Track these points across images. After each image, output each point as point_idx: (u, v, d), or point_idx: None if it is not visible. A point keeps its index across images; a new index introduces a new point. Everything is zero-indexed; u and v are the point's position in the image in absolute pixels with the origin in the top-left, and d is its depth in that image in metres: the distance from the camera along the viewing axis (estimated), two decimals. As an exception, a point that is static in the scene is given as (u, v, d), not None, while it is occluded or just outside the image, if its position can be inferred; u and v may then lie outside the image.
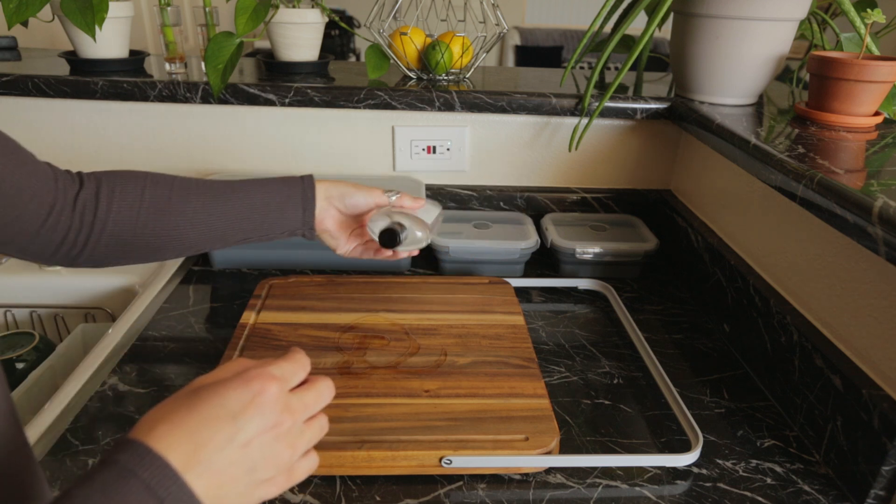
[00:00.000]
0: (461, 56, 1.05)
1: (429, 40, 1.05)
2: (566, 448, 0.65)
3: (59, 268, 0.94)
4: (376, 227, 0.69)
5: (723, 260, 0.86)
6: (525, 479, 0.61)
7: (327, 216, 0.68)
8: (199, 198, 0.61)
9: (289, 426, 0.38)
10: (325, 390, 0.43)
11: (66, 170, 0.57)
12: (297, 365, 0.42)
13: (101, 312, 0.96)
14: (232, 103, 0.99)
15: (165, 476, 0.31)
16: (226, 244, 0.64)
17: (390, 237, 0.67)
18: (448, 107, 0.99)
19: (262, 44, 3.14)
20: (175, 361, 0.76)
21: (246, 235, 0.64)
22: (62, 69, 1.01)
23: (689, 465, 0.63)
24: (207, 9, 1.06)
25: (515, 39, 4.47)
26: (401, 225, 0.68)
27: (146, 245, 0.59)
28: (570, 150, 1.05)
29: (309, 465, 0.41)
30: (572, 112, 1.01)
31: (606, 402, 0.72)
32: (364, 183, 1.02)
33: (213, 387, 0.36)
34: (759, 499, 0.60)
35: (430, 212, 0.75)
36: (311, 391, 0.41)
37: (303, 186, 0.66)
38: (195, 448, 0.33)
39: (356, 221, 0.73)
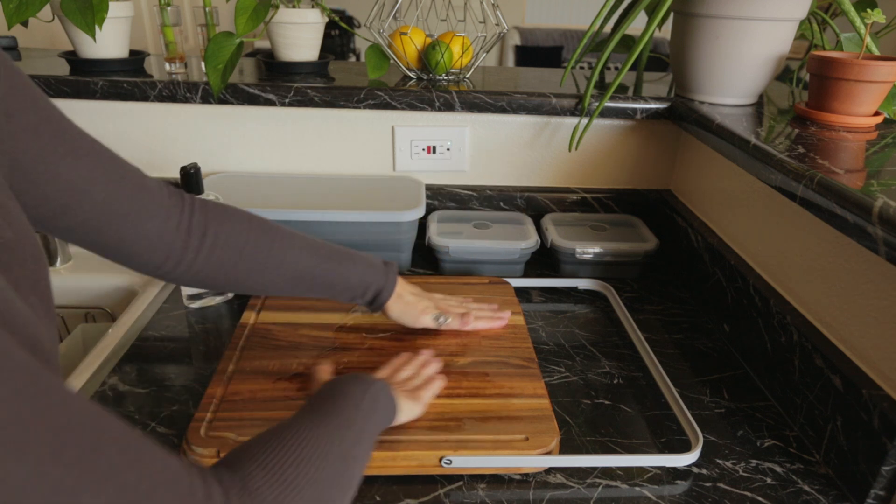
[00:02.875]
0: (461, 56, 1.05)
1: (429, 40, 1.05)
2: (566, 448, 0.65)
3: (58, 267, 0.94)
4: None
5: (723, 260, 0.86)
6: (525, 479, 0.61)
7: (388, 312, 0.75)
8: (296, 258, 0.66)
9: (400, 375, 0.67)
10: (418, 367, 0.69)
11: (176, 191, 0.59)
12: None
13: (100, 312, 0.96)
14: (232, 103, 0.99)
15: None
16: (296, 296, 0.71)
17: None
18: (448, 107, 0.99)
19: (262, 44, 3.14)
20: (175, 361, 0.76)
21: (318, 296, 0.70)
22: (62, 69, 1.01)
23: (689, 465, 0.63)
24: (207, 9, 1.06)
25: (515, 39, 4.47)
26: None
27: (236, 285, 0.64)
28: (570, 150, 1.05)
29: (426, 391, 0.65)
30: (572, 112, 1.01)
31: (606, 402, 0.72)
32: (363, 182, 1.03)
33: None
34: (759, 499, 0.60)
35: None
36: (410, 366, 0.69)
37: (384, 284, 0.72)
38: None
39: None
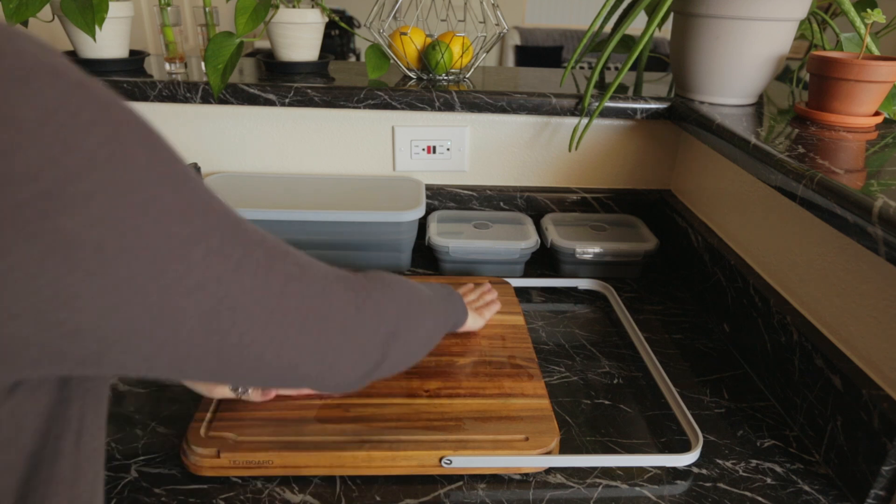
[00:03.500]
0: (461, 56, 1.05)
1: (429, 40, 1.05)
2: (566, 448, 0.65)
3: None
4: None
5: (723, 260, 0.86)
6: (525, 479, 0.61)
7: None
8: None
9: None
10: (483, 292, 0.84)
11: None
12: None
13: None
14: (232, 103, 0.99)
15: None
16: None
17: None
18: (448, 107, 0.99)
19: (262, 44, 3.14)
20: None
21: None
22: (62, 69, 1.01)
23: (689, 465, 0.63)
24: (207, 9, 1.06)
25: (515, 39, 4.47)
26: None
27: None
28: (570, 150, 1.05)
29: (488, 310, 0.80)
30: (572, 112, 1.01)
31: (606, 402, 0.72)
32: (363, 182, 1.03)
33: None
34: (759, 499, 0.60)
35: None
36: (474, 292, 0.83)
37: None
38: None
39: None
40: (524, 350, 0.76)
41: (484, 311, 0.78)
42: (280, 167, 1.07)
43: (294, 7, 1.01)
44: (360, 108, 0.99)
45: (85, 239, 0.24)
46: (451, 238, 0.96)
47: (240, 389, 0.65)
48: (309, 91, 0.98)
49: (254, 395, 0.66)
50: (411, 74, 1.08)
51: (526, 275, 0.99)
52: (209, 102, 0.99)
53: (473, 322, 0.76)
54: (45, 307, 0.25)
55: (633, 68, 1.13)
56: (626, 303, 0.90)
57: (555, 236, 0.97)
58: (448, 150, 1.06)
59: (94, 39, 0.91)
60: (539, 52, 4.41)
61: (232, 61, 0.92)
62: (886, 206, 0.52)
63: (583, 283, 0.96)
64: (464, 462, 0.59)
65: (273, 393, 0.67)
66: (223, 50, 0.92)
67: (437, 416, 0.64)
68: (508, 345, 0.77)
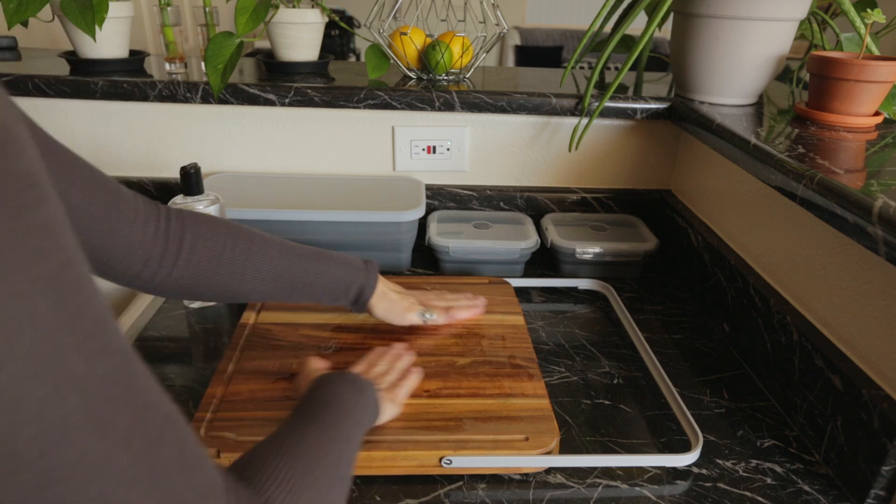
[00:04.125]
0: (461, 56, 1.05)
1: (429, 40, 1.05)
2: (566, 448, 0.65)
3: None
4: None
5: (723, 260, 0.86)
6: (525, 479, 0.61)
7: (372, 311, 0.75)
8: (274, 261, 0.65)
9: (375, 372, 0.66)
10: (393, 361, 0.70)
11: (151, 200, 0.60)
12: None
13: (101, 312, 0.96)
14: (232, 103, 0.99)
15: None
16: (280, 301, 0.70)
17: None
18: (448, 107, 0.99)
19: (262, 44, 3.14)
20: (175, 361, 0.76)
21: (301, 301, 0.70)
22: (62, 69, 1.01)
23: (689, 465, 0.63)
24: (207, 9, 1.06)
25: (515, 39, 4.47)
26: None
27: (216, 292, 0.64)
28: (570, 150, 1.05)
29: (401, 390, 0.65)
30: (572, 112, 1.01)
31: (606, 402, 0.72)
32: (363, 182, 1.03)
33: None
34: (759, 499, 0.60)
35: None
36: (383, 360, 0.69)
37: (365, 282, 0.72)
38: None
39: None
40: (524, 350, 0.76)
41: (397, 392, 0.65)
42: (280, 167, 1.07)
43: (294, 7, 1.01)
44: (360, 108, 0.99)
45: None
46: (451, 238, 0.96)
47: (426, 315, 0.77)
48: (309, 91, 0.98)
49: (439, 317, 0.78)
50: (411, 74, 1.08)
51: (526, 275, 0.99)
52: (209, 102, 0.99)
53: (388, 413, 0.62)
54: None
55: (633, 68, 1.13)
56: (626, 303, 0.90)
57: (555, 236, 0.97)
58: (448, 150, 1.06)
59: (94, 39, 0.91)
60: (539, 52, 4.41)
61: (232, 61, 0.92)
62: (886, 206, 0.52)
63: (583, 283, 0.96)
64: (464, 462, 0.59)
65: (457, 315, 0.79)
66: (223, 50, 0.92)
67: (437, 416, 0.64)
68: (508, 345, 0.77)
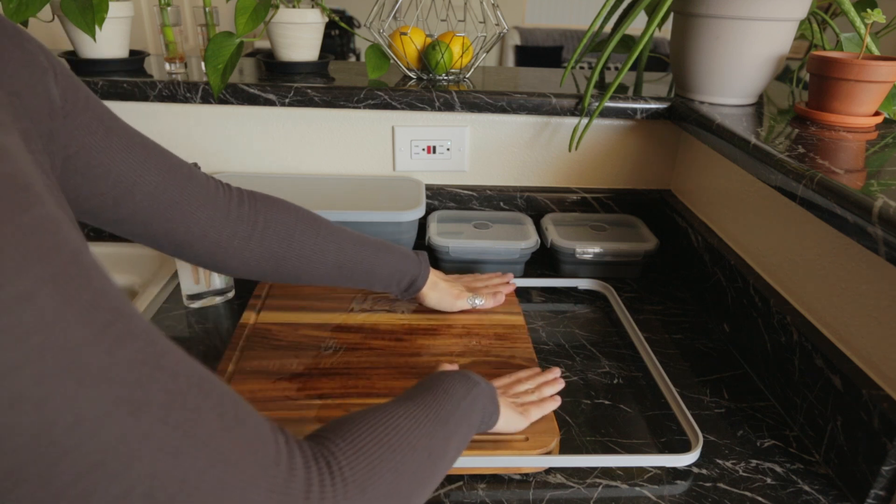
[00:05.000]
0: (461, 56, 1.05)
1: (429, 40, 1.05)
2: (566, 448, 0.65)
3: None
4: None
5: (723, 260, 0.86)
6: (525, 479, 0.61)
7: (424, 299, 0.81)
8: (339, 247, 0.69)
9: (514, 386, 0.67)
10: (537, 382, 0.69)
11: (224, 183, 0.62)
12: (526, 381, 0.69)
13: (101, 312, 0.95)
14: (232, 103, 0.99)
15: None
16: (338, 285, 0.74)
17: None
18: (448, 107, 0.99)
19: (262, 44, 3.14)
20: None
21: (357, 287, 0.74)
22: (62, 69, 1.01)
23: (689, 465, 0.63)
24: (207, 9, 1.06)
25: (515, 39, 4.47)
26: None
27: (284, 273, 0.67)
28: (570, 150, 1.05)
29: (536, 409, 0.64)
30: (572, 112, 1.01)
31: (606, 402, 0.72)
32: (363, 182, 1.03)
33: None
34: (759, 499, 0.60)
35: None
36: (528, 381, 0.69)
37: (418, 272, 0.77)
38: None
39: None
40: (524, 350, 0.76)
41: (532, 409, 0.63)
42: (280, 167, 1.07)
43: (294, 7, 1.01)
44: (360, 108, 0.99)
45: None
46: (451, 238, 0.96)
47: (476, 301, 0.82)
48: (309, 91, 0.98)
49: (487, 301, 0.83)
50: (411, 74, 1.08)
51: (526, 275, 0.99)
52: (209, 102, 0.99)
53: (512, 423, 0.60)
54: None
55: (633, 68, 1.13)
56: (626, 303, 0.90)
57: (555, 236, 0.97)
58: (448, 150, 1.06)
59: (94, 39, 0.91)
60: (539, 52, 4.41)
61: (232, 61, 0.92)
62: (886, 206, 0.52)
63: (583, 283, 0.96)
64: (464, 462, 0.59)
65: (503, 297, 0.85)
66: (223, 50, 0.92)
67: (437, 416, 0.64)
68: (508, 345, 0.77)
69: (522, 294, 0.94)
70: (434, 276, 0.80)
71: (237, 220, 0.60)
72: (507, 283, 0.88)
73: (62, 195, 0.37)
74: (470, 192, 1.08)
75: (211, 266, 0.62)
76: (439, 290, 0.80)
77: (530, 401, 0.64)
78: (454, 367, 0.67)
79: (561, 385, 0.69)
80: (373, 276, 0.72)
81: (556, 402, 0.66)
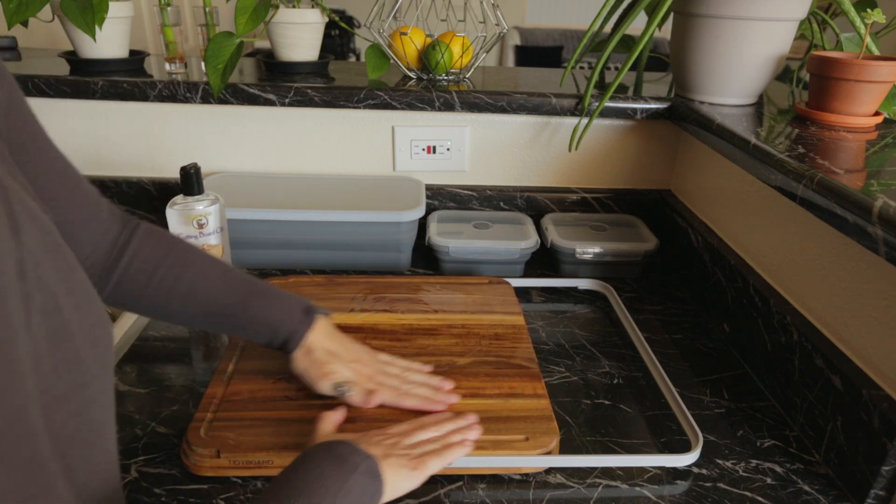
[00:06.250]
0: (461, 56, 1.05)
1: (429, 40, 1.05)
2: (566, 448, 0.65)
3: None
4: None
5: (723, 260, 0.86)
6: (525, 479, 0.61)
7: (292, 366, 0.67)
8: (206, 290, 0.62)
9: (405, 436, 0.59)
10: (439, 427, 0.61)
11: (123, 214, 0.61)
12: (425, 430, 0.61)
13: (100, 312, 0.95)
14: (232, 103, 0.99)
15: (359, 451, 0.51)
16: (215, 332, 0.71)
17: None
18: (448, 107, 0.99)
19: (262, 44, 3.14)
20: (175, 361, 0.76)
21: (235, 336, 0.71)
22: (62, 69, 1.01)
23: (689, 465, 0.63)
24: (207, 9, 1.06)
25: (515, 39, 4.47)
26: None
27: (147, 311, 0.63)
28: (570, 150, 1.05)
29: (434, 461, 0.57)
30: (572, 112, 1.01)
31: (606, 402, 0.72)
32: (363, 182, 1.03)
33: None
34: (759, 499, 0.60)
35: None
36: (428, 429, 0.61)
37: (293, 331, 0.65)
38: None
39: None
40: (524, 350, 0.76)
41: (429, 462, 0.56)
42: (280, 167, 1.07)
43: (294, 7, 1.01)
44: (360, 108, 0.99)
45: None
46: (451, 238, 0.96)
47: (341, 389, 0.65)
48: (309, 91, 0.98)
49: (355, 396, 0.65)
50: (411, 74, 1.08)
51: (526, 275, 0.99)
52: (209, 102, 0.99)
53: (402, 486, 0.54)
54: None
55: (633, 68, 1.13)
56: (626, 303, 0.90)
57: (555, 236, 0.97)
58: (448, 150, 1.06)
59: (94, 39, 0.91)
60: (539, 52, 4.41)
61: (232, 61, 0.92)
62: (886, 206, 0.52)
63: (583, 283, 0.96)
64: (464, 462, 0.59)
65: (377, 400, 0.65)
66: (223, 50, 0.92)
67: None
68: (508, 345, 0.77)
69: (522, 294, 0.94)
70: (318, 341, 0.65)
71: (111, 250, 0.58)
72: (434, 400, 0.66)
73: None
74: (470, 192, 1.08)
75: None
76: (310, 360, 0.65)
77: (429, 450, 0.57)
78: (336, 419, 0.61)
79: (475, 433, 0.61)
80: (244, 330, 0.64)
81: (465, 448, 0.59)
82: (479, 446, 0.61)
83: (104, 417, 0.39)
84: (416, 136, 1.04)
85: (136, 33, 2.22)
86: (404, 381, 0.68)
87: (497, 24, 1.02)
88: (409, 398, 0.66)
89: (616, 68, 1.10)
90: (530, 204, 1.09)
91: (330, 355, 0.66)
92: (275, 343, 0.65)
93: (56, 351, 0.35)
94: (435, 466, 0.56)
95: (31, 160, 0.47)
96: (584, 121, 1.01)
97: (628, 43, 1.07)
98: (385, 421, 0.63)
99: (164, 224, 0.79)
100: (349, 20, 3.30)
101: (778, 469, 0.64)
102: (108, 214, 0.58)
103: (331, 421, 0.61)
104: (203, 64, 1.03)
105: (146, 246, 0.60)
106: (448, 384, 0.69)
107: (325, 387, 0.65)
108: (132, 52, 1.06)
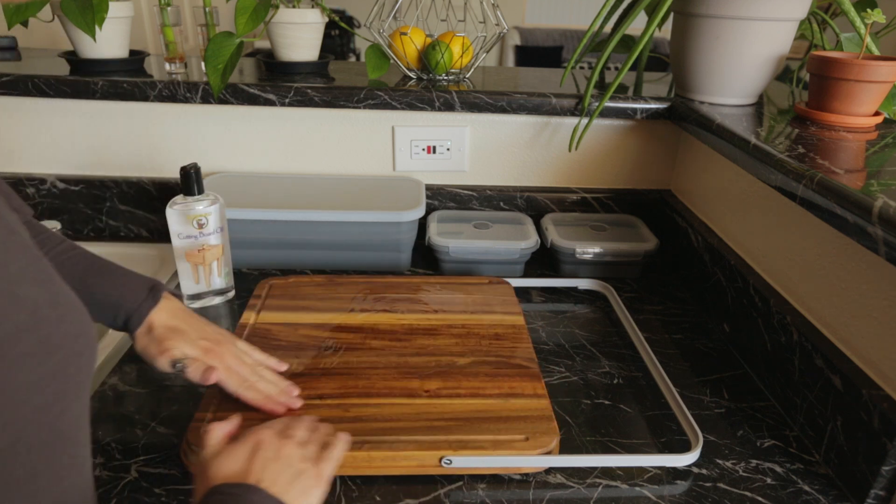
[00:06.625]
0: (461, 56, 1.05)
1: (429, 40, 1.05)
2: (566, 448, 0.65)
3: (59, 268, 0.94)
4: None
5: (723, 260, 0.86)
6: (525, 479, 0.61)
7: (134, 344, 0.64)
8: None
9: (292, 444, 0.52)
10: (313, 427, 0.56)
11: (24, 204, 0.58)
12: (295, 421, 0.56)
13: (101, 312, 0.95)
14: (232, 103, 0.99)
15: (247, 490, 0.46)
16: None
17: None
18: (448, 107, 0.99)
19: (262, 44, 3.14)
20: None
21: None
22: (62, 69, 1.01)
23: (689, 465, 0.63)
24: (207, 9, 1.06)
25: (515, 39, 4.47)
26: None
27: None
28: (570, 150, 1.05)
29: (328, 463, 0.52)
30: (572, 112, 1.01)
31: (606, 402, 0.72)
32: (363, 182, 1.03)
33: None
34: (759, 499, 0.60)
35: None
36: (295, 428, 0.55)
37: (135, 309, 0.61)
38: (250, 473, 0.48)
39: None
40: (524, 350, 0.76)
41: (323, 468, 0.52)
42: (280, 167, 1.07)
43: (294, 7, 1.01)
44: (360, 108, 0.99)
45: None
46: (451, 238, 0.96)
47: (178, 365, 0.61)
48: (309, 91, 0.98)
49: (192, 372, 0.61)
50: (411, 74, 1.08)
51: (526, 275, 0.99)
52: (209, 102, 0.99)
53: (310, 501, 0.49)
54: None
55: (633, 68, 1.13)
56: (626, 303, 0.90)
57: (555, 236, 0.97)
58: (448, 150, 1.06)
59: (94, 39, 0.91)
60: (539, 52, 4.41)
61: (232, 61, 0.92)
62: (886, 206, 0.52)
63: (583, 283, 0.96)
64: (464, 462, 0.59)
65: (214, 377, 0.61)
66: (223, 50, 0.92)
67: (437, 416, 0.64)
68: (508, 345, 0.77)
69: (522, 294, 0.94)
70: (161, 318, 0.62)
71: None
72: (273, 401, 0.63)
73: None
74: (470, 192, 1.08)
75: None
76: (149, 338, 0.62)
77: (310, 457, 0.52)
78: (225, 433, 0.55)
79: (327, 428, 0.57)
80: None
81: (345, 440, 0.55)
82: (479, 446, 0.61)
83: (75, 424, 0.38)
84: (416, 136, 1.04)
85: (136, 33, 2.22)
86: (253, 372, 0.64)
87: (497, 24, 1.02)
88: (252, 392, 0.62)
89: (616, 68, 1.10)
90: (530, 204, 1.09)
91: (172, 331, 0.62)
92: (117, 323, 0.61)
93: (39, 367, 0.34)
94: (329, 469, 0.52)
95: None
96: (584, 121, 1.01)
97: (628, 43, 1.07)
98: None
99: (165, 224, 0.79)
100: (349, 20, 3.30)
101: (778, 469, 0.64)
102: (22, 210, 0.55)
103: (217, 435, 0.54)
104: (203, 64, 1.03)
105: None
106: (295, 390, 0.65)
107: (162, 363, 0.61)
108: (132, 52, 1.06)
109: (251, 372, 0.64)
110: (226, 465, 0.49)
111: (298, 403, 0.64)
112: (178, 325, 0.63)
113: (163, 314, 0.62)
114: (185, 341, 0.62)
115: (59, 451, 0.36)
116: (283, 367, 0.70)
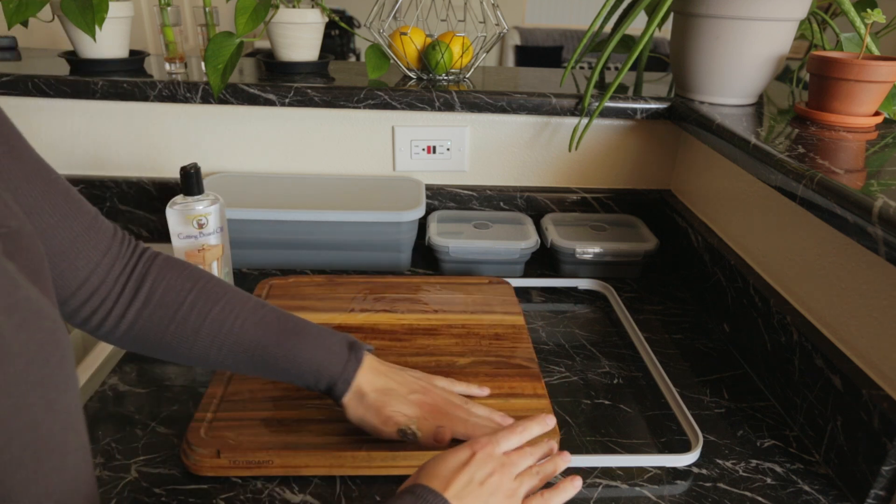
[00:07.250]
0: (461, 56, 1.05)
1: (429, 40, 1.05)
2: (566, 448, 0.64)
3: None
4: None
5: (723, 260, 0.86)
6: (525, 479, 0.61)
7: (346, 414, 0.61)
8: (237, 330, 0.56)
9: (507, 471, 0.50)
10: (532, 453, 0.54)
11: (132, 240, 0.56)
12: (514, 433, 0.54)
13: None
14: (232, 103, 0.99)
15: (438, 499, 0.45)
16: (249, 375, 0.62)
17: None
18: (448, 107, 0.99)
19: (262, 44, 3.14)
20: (175, 361, 0.76)
21: (265, 377, 0.61)
22: (62, 69, 1.01)
23: (689, 465, 0.63)
24: (207, 9, 1.06)
25: (515, 39, 4.47)
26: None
27: (167, 352, 0.57)
28: (570, 150, 1.05)
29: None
30: (572, 112, 1.01)
31: (606, 402, 0.72)
32: (363, 182, 1.03)
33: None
34: (759, 499, 0.60)
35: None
36: (521, 455, 0.53)
37: (339, 375, 0.58)
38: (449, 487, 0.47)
39: None
40: (524, 350, 0.76)
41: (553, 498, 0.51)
42: (280, 167, 1.07)
43: (294, 7, 1.01)
44: (360, 108, 0.99)
45: None
46: (451, 238, 0.96)
47: (412, 430, 0.58)
48: (309, 91, 0.98)
49: (426, 440, 0.58)
50: (411, 74, 1.08)
51: (526, 275, 0.99)
52: (209, 102, 0.99)
53: None
54: None
55: (633, 68, 1.13)
56: (626, 303, 0.90)
57: (555, 236, 0.97)
58: (448, 150, 1.06)
59: (94, 39, 0.91)
60: (539, 52, 4.41)
61: (232, 61, 0.92)
62: (886, 206, 0.52)
63: (583, 283, 0.96)
64: (464, 462, 0.59)
65: (448, 436, 0.58)
66: (223, 50, 0.92)
67: (437, 416, 0.64)
68: (508, 345, 0.77)
69: (522, 294, 0.94)
70: (366, 380, 0.59)
71: (125, 282, 0.53)
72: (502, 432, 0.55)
73: None
74: (470, 192, 1.08)
75: (90, 331, 0.53)
76: (364, 406, 0.59)
77: (518, 494, 0.50)
78: (448, 433, 0.56)
79: (564, 461, 0.55)
80: (282, 373, 0.58)
81: (574, 486, 0.53)
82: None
83: (56, 435, 0.36)
84: (416, 136, 1.04)
85: (136, 33, 2.22)
86: (464, 409, 0.61)
87: (497, 24, 1.02)
88: (478, 430, 0.59)
89: (616, 68, 1.10)
90: (530, 204, 1.09)
91: (384, 394, 0.59)
92: (319, 386, 0.58)
93: None
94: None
95: (7, 167, 0.44)
96: (584, 121, 1.01)
97: (628, 43, 1.07)
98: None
99: (165, 224, 0.79)
100: (349, 20, 3.30)
101: (778, 469, 0.64)
102: (108, 233, 0.54)
103: (446, 434, 0.55)
104: (203, 64, 1.03)
105: (167, 277, 0.55)
106: (506, 419, 0.62)
107: (388, 433, 0.59)
108: (132, 52, 1.06)
109: (466, 412, 0.61)
110: (435, 467, 0.48)
111: (508, 422, 0.61)
112: (387, 385, 0.60)
113: (368, 375, 0.59)
114: (400, 402, 0.59)
115: (40, 463, 0.35)
116: (485, 392, 0.67)
